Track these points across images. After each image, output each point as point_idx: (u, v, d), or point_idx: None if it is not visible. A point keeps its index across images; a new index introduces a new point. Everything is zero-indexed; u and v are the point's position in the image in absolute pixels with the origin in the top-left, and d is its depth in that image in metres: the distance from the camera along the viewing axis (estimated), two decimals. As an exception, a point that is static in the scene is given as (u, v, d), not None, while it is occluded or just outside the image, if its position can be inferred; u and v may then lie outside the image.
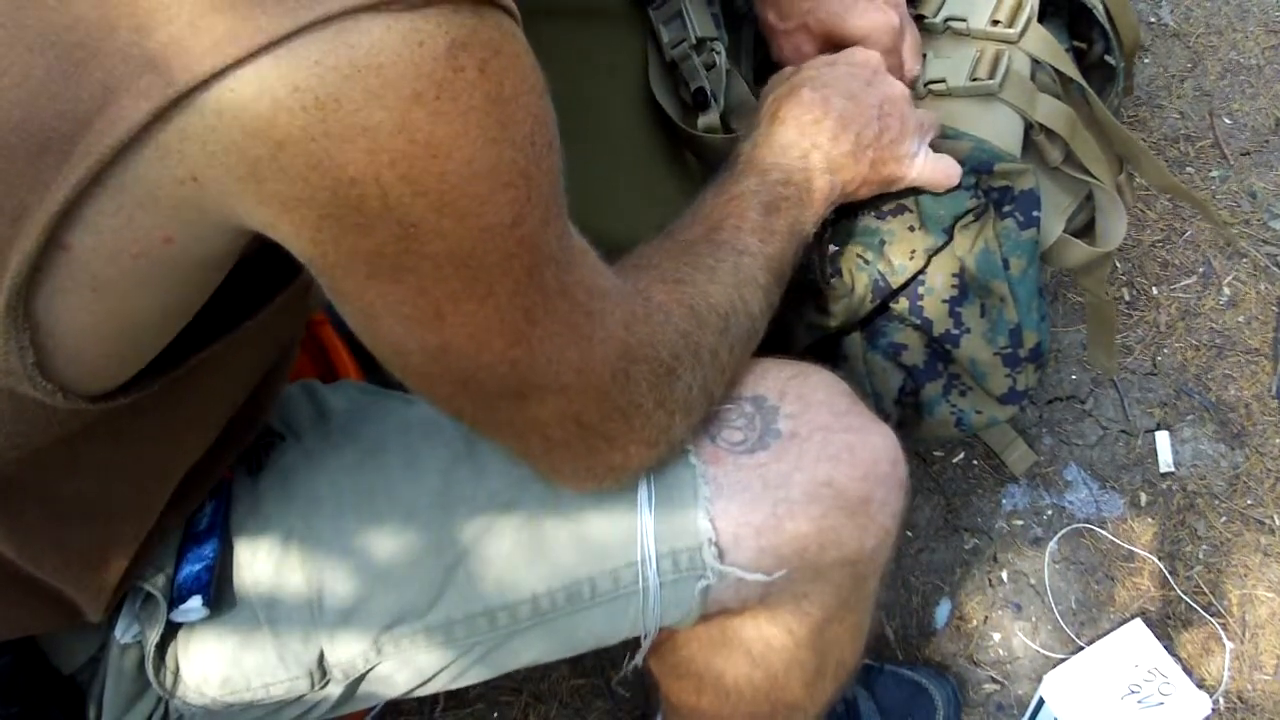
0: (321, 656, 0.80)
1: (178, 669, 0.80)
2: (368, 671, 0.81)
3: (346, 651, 0.80)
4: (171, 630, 0.79)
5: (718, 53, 0.99)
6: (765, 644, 0.85)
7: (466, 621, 0.79)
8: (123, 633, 0.79)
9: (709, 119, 0.99)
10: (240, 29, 0.49)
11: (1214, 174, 1.60)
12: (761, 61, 1.09)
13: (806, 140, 0.87)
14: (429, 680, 0.83)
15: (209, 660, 0.79)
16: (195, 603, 0.77)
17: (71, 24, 0.51)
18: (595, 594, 0.79)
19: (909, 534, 1.39)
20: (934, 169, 0.94)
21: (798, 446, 0.78)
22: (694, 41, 0.99)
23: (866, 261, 0.98)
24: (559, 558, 0.79)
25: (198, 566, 0.78)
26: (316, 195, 0.52)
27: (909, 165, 0.92)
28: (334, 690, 0.81)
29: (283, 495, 0.82)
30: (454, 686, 0.84)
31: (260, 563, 0.80)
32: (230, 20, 0.49)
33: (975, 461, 1.43)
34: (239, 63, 0.49)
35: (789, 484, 0.78)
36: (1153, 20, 1.74)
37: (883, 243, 0.98)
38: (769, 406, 0.80)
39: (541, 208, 0.58)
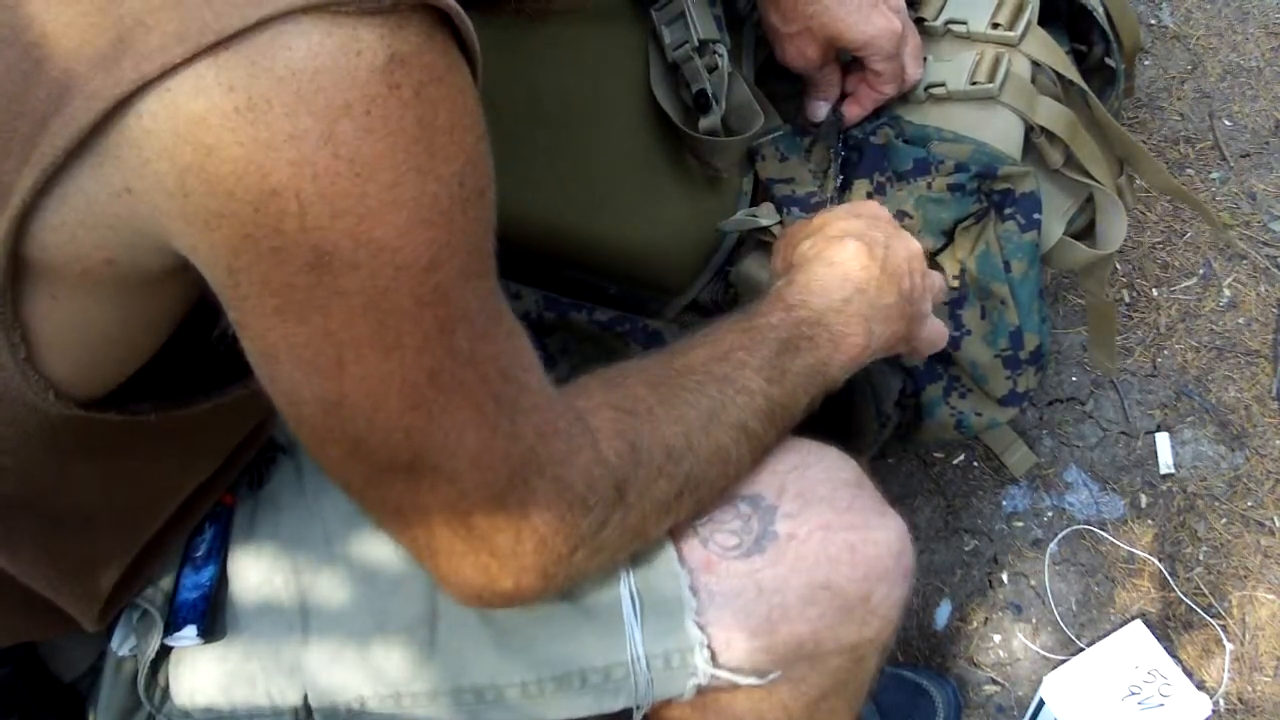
0: (306, 697, 0.79)
1: (167, 686, 0.80)
2: (351, 718, 0.80)
3: (330, 698, 0.79)
4: (165, 648, 0.79)
5: (720, 55, 0.99)
6: (759, 719, 0.82)
7: (452, 694, 0.78)
8: (119, 645, 0.79)
9: (710, 121, 0.99)
10: (187, 29, 0.49)
11: (1214, 176, 1.60)
12: (764, 64, 1.09)
13: (850, 285, 0.83)
14: None
15: (198, 684, 0.79)
16: (190, 632, 0.77)
17: (27, 23, 0.51)
18: (586, 684, 0.78)
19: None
20: (932, 332, 0.91)
21: (795, 549, 0.76)
22: (696, 43, 0.99)
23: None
24: (549, 651, 0.77)
25: (195, 595, 0.78)
26: (239, 210, 0.51)
27: (921, 325, 0.89)
28: None
29: (277, 530, 0.82)
30: None
31: (252, 595, 0.80)
32: (178, 20, 0.49)
33: (975, 463, 1.43)
34: (184, 63, 0.49)
35: (785, 589, 0.76)
36: (1153, 22, 1.74)
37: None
38: (766, 506, 0.77)
39: (462, 256, 0.56)
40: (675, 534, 0.77)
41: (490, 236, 0.58)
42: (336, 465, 0.63)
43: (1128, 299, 1.52)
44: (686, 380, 0.74)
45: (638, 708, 0.80)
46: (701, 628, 0.75)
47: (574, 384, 0.70)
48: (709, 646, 0.76)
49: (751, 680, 0.77)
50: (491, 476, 0.62)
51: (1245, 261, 1.54)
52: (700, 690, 0.78)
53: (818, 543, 0.76)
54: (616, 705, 0.79)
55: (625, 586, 0.76)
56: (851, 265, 0.83)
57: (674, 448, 0.71)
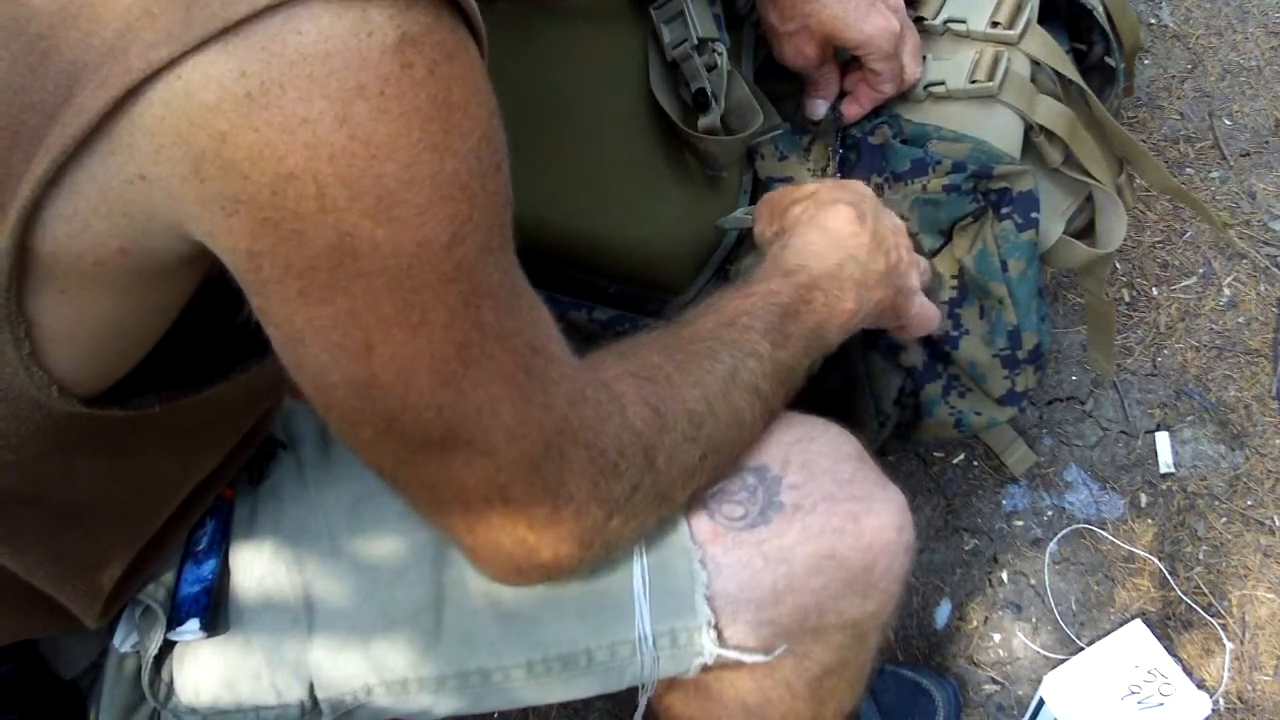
0: (311, 689, 0.79)
1: (171, 682, 0.80)
2: (357, 707, 0.81)
3: (336, 689, 0.79)
4: (169, 644, 0.79)
5: (719, 54, 0.99)
6: (763, 697, 0.83)
7: (458, 677, 0.79)
8: (121, 641, 0.79)
9: (709, 120, 0.99)
10: (194, 15, 0.49)
11: (1214, 175, 1.60)
12: (763, 63, 1.09)
13: (843, 251, 0.84)
14: (421, 714, 0.82)
15: (202, 679, 0.79)
16: (193, 625, 0.77)
17: (32, 15, 0.51)
18: (592, 663, 0.78)
19: (909, 535, 1.39)
20: (924, 311, 0.92)
21: (801, 519, 0.77)
22: (695, 42, 0.99)
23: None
24: (555, 630, 0.78)
25: (196, 588, 0.78)
26: (257, 195, 0.51)
27: (911, 300, 0.90)
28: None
29: (278, 523, 0.82)
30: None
31: (255, 589, 0.80)
32: (184, 7, 0.49)
33: (975, 462, 1.43)
34: (192, 50, 0.49)
35: (790, 559, 0.76)
36: (1153, 21, 1.74)
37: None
38: (771, 477, 0.78)
39: (483, 231, 0.56)
40: (685, 507, 0.77)
41: (508, 210, 0.58)
42: (369, 447, 0.63)
43: (1127, 298, 1.52)
44: (698, 346, 0.75)
45: (643, 687, 0.80)
46: (709, 600, 0.76)
47: (590, 357, 0.71)
48: (715, 626, 0.76)
49: (757, 658, 0.77)
50: (528, 447, 0.63)
51: (1245, 261, 1.54)
52: (705, 669, 0.79)
53: (822, 513, 0.77)
54: (621, 685, 0.80)
55: (638, 563, 0.77)
56: (843, 230, 0.85)
57: (695, 411, 0.71)
